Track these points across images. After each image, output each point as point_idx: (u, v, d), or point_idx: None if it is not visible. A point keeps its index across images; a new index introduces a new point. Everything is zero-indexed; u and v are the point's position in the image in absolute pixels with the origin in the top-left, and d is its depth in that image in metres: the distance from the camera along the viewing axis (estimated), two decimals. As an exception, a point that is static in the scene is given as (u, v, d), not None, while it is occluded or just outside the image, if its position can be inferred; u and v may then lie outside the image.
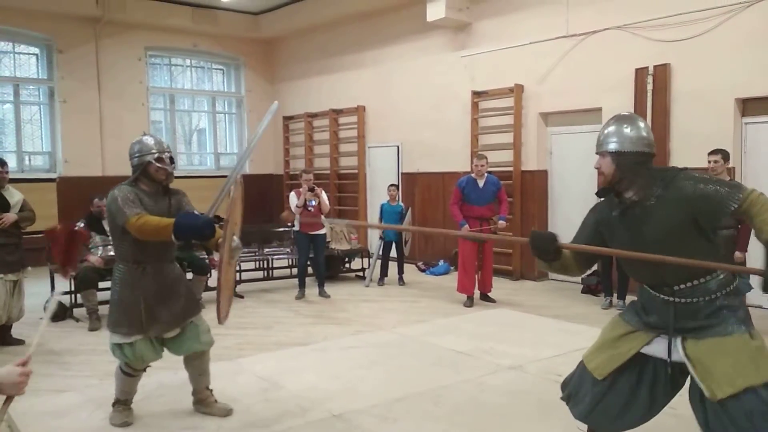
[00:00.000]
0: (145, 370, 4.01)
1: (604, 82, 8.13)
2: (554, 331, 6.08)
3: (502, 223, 7.49)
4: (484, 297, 7.64)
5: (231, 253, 3.40)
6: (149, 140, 3.86)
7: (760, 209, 2.42)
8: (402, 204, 9.13)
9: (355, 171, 11.76)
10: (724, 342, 2.48)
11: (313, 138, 12.68)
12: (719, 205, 2.48)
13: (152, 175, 3.81)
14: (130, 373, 3.91)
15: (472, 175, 7.56)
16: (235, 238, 3.45)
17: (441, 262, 9.79)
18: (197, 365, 4.03)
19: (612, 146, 2.66)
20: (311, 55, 12.72)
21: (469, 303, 7.43)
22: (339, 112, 12.00)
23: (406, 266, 9.06)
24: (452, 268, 9.24)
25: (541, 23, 8.79)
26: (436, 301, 7.74)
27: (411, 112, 10.72)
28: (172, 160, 3.89)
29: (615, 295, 7.31)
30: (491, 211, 7.50)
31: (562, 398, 3.02)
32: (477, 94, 9.64)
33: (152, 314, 3.75)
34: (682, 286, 2.58)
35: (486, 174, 7.53)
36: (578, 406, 2.87)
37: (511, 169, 9.15)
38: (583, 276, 8.01)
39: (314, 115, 12.53)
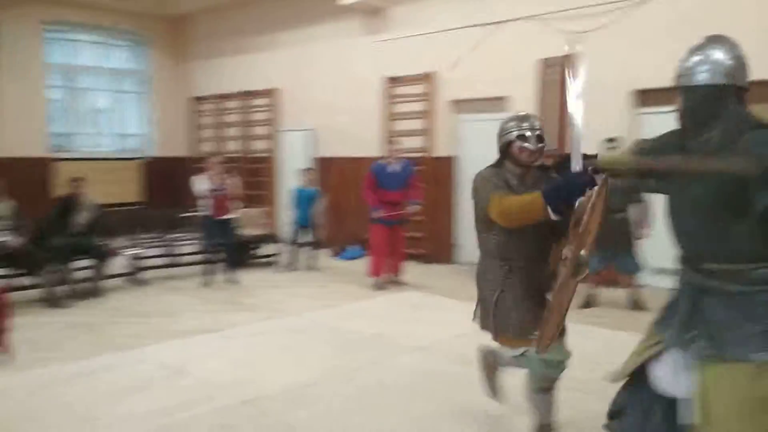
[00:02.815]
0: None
1: (511, 71, 8.38)
2: (461, 313, 6.22)
3: (414, 207, 7.61)
4: (395, 281, 7.75)
5: (576, 269, 2.68)
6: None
7: None
8: (316, 188, 9.09)
9: (267, 155, 11.59)
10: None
11: (224, 120, 12.37)
12: None
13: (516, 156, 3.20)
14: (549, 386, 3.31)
15: (386, 160, 7.63)
16: (583, 252, 2.67)
17: (353, 247, 9.84)
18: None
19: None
20: (223, 35, 12.36)
21: (380, 286, 7.52)
22: (251, 94, 11.75)
23: (318, 252, 9.05)
24: (364, 252, 9.31)
25: (455, 11, 8.93)
26: (347, 285, 7.77)
27: (325, 96, 10.64)
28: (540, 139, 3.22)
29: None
30: (404, 197, 7.61)
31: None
32: (390, 80, 9.70)
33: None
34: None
35: (399, 159, 7.62)
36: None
37: (423, 155, 9.29)
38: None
39: (225, 97, 12.22)
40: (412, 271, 8.21)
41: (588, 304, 6.68)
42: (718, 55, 2.16)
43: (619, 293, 6.72)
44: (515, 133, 3.17)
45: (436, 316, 6.16)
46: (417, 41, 9.34)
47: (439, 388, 4.20)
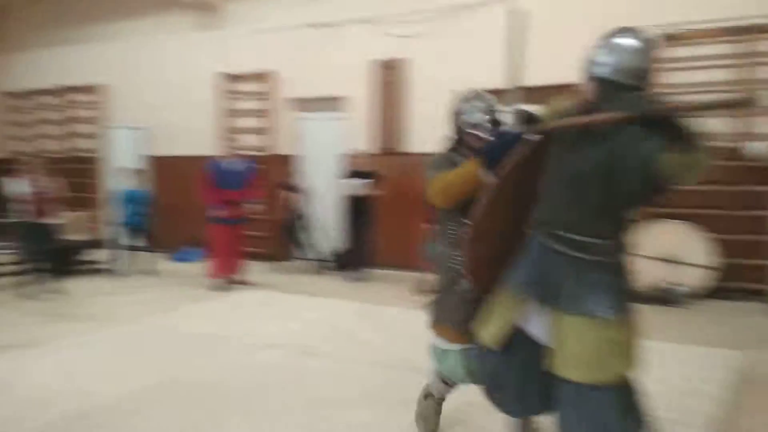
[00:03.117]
0: None
1: (348, 71, 8.61)
2: (307, 307, 6.35)
3: (255, 207, 7.55)
4: (237, 280, 7.64)
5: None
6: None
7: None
8: (146, 189, 8.67)
9: (93, 155, 10.83)
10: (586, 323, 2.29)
11: (44, 117, 11.34)
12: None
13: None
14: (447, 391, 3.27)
15: (224, 158, 7.49)
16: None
17: (190, 249, 9.52)
18: None
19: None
20: (41, 25, 11.33)
21: (222, 287, 7.38)
22: (74, 90, 10.90)
23: (153, 255, 8.64)
24: (203, 253, 9.04)
25: (290, 10, 8.99)
26: (186, 288, 7.52)
27: (158, 93, 10.17)
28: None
29: (360, 268, 7.88)
30: (244, 195, 7.52)
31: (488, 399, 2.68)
32: (228, 77, 9.52)
33: None
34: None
35: (238, 158, 7.53)
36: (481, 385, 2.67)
37: (263, 153, 9.23)
38: (332, 253, 8.49)
39: (44, 92, 11.21)
40: (254, 270, 8.14)
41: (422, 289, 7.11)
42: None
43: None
44: (470, 121, 3.06)
45: (280, 313, 6.18)
46: (256, 38, 9.27)
47: (289, 383, 4.24)
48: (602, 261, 2.31)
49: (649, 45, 2.37)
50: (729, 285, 6.57)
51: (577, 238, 2.32)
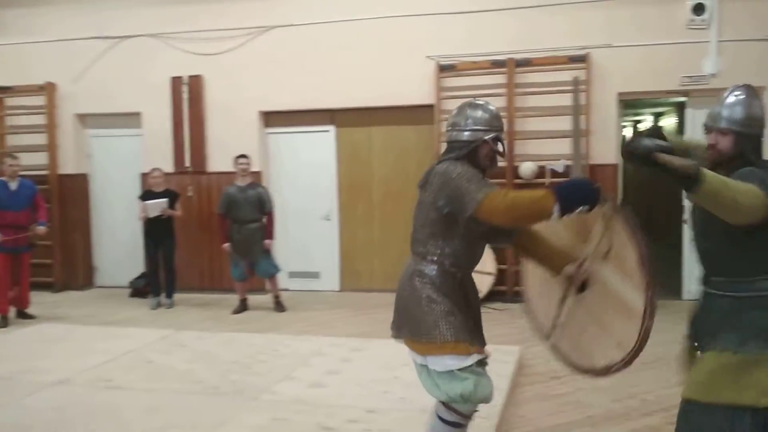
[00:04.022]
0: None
1: (143, 87, 8.27)
2: (103, 339, 5.96)
3: (41, 229, 6.94)
4: (22, 314, 6.95)
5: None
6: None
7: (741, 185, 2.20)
8: None
9: None
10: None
11: None
12: None
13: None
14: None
15: (3, 178, 6.78)
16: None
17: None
18: None
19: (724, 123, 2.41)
20: None
21: (3, 323, 6.67)
22: None
23: None
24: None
25: (73, 20, 8.39)
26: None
27: None
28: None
29: (163, 294, 7.59)
30: (27, 218, 6.87)
31: None
32: (1, 90, 8.60)
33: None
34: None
35: (19, 177, 6.86)
36: None
37: (46, 172, 8.47)
38: (131, 279, 8.09)
39: None
40: (41, 301, 7.46)
41: (241, 309, 7.15)
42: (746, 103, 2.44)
43: (265, 298, 7.27)
44: (491, 134, 2.78)
45: (74, 347, 5.73)
46: (31, 49, 8.50)
47: (88, 419, 4.00)
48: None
49: None
50: (512, 288, 7.43)
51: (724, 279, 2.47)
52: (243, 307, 7.21)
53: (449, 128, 2.85)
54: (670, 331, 6.08)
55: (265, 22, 7.95)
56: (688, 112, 7.26)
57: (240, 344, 5.58)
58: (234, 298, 7.32)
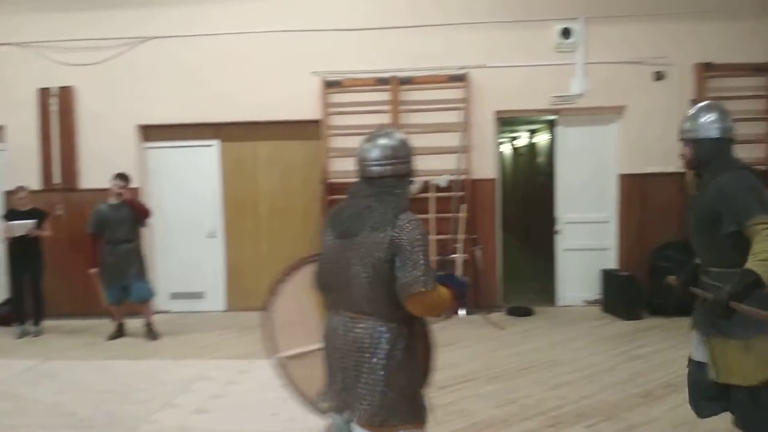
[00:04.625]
0: None
1: (7, 99, 7.68)
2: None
3: None
4: None
5: None
6: None
7: (760, 241, 2.59)
8: None
9: None
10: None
11: None
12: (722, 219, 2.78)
13: None
14: None
15: None
16: None
17: None
18: None
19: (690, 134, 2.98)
20: None
21: None
22: None
23: None
24: None
25: None
26: None
27: None
28: None
29: (30, 321, 7.02)
30: None
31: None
32: None
33: None
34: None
35: None
36: None
37: None
38: (-8, 307, 7.42)
39: None
40: None
41: (117, 335, 6.73)
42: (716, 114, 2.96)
43: (137, 323, 6.89)
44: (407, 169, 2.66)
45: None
46: None
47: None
48: None
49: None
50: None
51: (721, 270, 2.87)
52: (119, 332, 6.80)
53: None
54: (545, 337, 6.45)
55: (144, 32, 7.63)
56: (559, 130, 7.73)
57: (116, 372, 5.28)
58: (110, 324, 6.90)
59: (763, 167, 7.04)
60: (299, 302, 2.83)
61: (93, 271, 6.60)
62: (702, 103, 3.11)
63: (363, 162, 2.49)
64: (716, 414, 3.05)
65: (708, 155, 2.94)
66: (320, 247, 2.53)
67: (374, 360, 2.37)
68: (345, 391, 2.44)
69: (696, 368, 3.04)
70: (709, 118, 2.96)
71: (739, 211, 2.72)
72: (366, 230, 2.37)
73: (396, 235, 2.32)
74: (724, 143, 2.95)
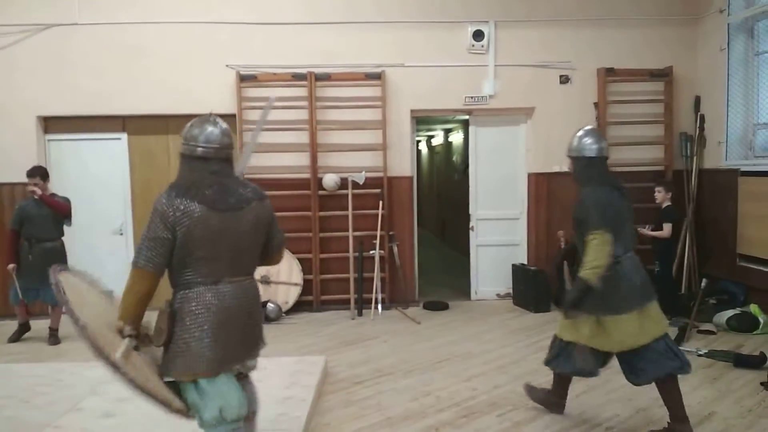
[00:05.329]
0: None
1: None
2: None
3: None
4: None
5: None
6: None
7: (589, 252, 3.51)
8: None
9: None
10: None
11: None
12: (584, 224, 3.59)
13: None
14: None
15: None
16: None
17: None
18: None
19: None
20: None
21: None
22: None
23: None
24: None
25: None
26: None
27: None
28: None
29: None
30: None
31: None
32: None
33: None
34: None
35: None
36: None
37: None
38: None
39: None
40: None
41: (18, 336, 6.37)
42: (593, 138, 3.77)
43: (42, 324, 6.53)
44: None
45: None
46: None
47: None
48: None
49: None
50: (318, 298, 7.53)
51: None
52: (22, 332, 6.42)
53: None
54: (460, 330, 6.62)
55: (46, 19, 7.22)
56: (472, 129, 7.96)
57: (16, 375, 4.98)
58: (10, 325, 6.51)
59: (660, 167, 7.54)
60: (90, 307, 2.78)
61: (11, 266, 6.19)
62: (585, 127, 3.87)
63: (224, 146, 2.83)
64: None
65: (584, 170, 3.73)
66: (189, 226, 2.60)
67: (259, 308, 2.91)
68: (242, 345, 2.80)
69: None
70: (587, 140, 3.74)
71: (586, 222, 3.54)
72: (255, 201, 2.80)
73: (269, 202, 2.90)
74: (597, 161, 3.72)
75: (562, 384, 4.12)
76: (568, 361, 3.86)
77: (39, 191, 6.18)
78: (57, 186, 7.50)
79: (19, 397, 4.43)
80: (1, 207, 7.28)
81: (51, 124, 7.52)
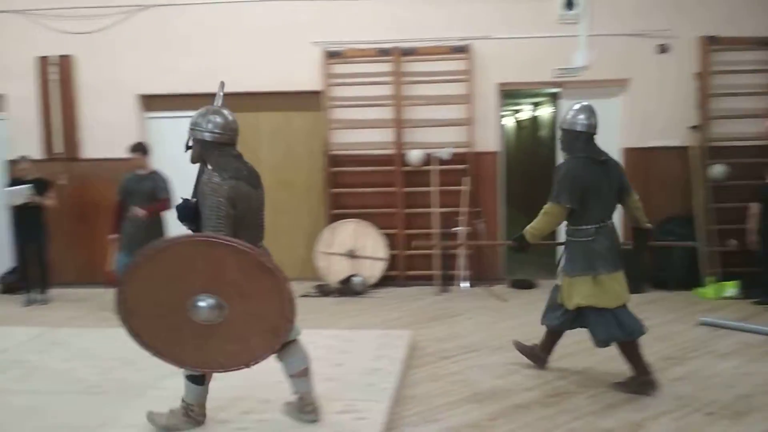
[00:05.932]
0: None
1: (7, 68, 7.63)
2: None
3: None
4: None
5: None
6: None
7: (538, 218, 4.23)
8: None
9: None
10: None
11: None
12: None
13: None
14: None
15: None
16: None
17: None
18: None
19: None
20: None
21: None
22: None
23: None
24: None
25: None
26: None
27: None
28: None
29: (37, 289, 7.07)
30: None
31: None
32: None
33: None
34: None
35: None
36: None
37: None
38: (1, 274, 7.50)
39: None
40: None
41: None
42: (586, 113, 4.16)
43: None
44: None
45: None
46: None
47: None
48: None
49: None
50: (403, 273, 7.58)
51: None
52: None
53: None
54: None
55: (142, 0, 7.54)
56: (562, 103, 7.70)
57: (123, 340, 5.30)
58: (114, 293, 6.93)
59: (765, 141, 7.05)
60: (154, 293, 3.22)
61: (112, 236, 6.56)
62: (582, 103, 4.20)
63: (238, 131, 3.40)
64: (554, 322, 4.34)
65: (572, 143, 4.09)
66: (241, 201, 3.14)
67: None
68: None
69: (553, 290, 4.37)
70: (581, 116, 4.08)
71: (552, 190, 4.04)
72: (260, 181, 3.36)
73: None
74: (584, 135, 4.05)
75: (551, 340, 4.55)
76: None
77: (142, 212, 6.28)
78: (157, 162, 7.88)
79: (125, 360, 4.71)
80: (106, 181, 7.73)
81: (149, 102, 7.88)
